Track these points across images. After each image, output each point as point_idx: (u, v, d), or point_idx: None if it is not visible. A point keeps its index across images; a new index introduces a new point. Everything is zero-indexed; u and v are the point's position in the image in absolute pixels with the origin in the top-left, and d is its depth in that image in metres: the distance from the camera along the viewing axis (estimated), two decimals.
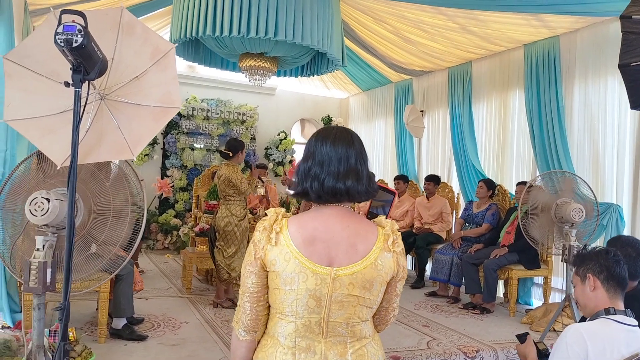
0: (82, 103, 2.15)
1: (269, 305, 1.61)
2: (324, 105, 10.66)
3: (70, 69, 2.10)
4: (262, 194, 6.53)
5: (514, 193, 6.22)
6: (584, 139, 5.69)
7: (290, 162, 10.01)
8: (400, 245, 1.62)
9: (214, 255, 5.35)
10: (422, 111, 8.18)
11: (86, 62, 2.09)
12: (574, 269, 2.36)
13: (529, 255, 5.64)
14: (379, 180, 7.66)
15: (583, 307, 2.30)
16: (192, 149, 9.22)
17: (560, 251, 4.38)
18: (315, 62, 7.32)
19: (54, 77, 2.34)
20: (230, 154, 5.33)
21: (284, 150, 9.96)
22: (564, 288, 4.43)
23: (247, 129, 9.69)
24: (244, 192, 5.23)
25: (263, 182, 6.58)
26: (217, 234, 5.31)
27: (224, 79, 9.13)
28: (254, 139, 9.81)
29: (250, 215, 6.03)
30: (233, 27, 5.47)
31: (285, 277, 1.52)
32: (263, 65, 6.67)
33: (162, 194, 8.75)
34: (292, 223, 1.58)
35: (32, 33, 2.41)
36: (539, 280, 6.13)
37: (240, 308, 1.61)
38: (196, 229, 6.14)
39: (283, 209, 1.67)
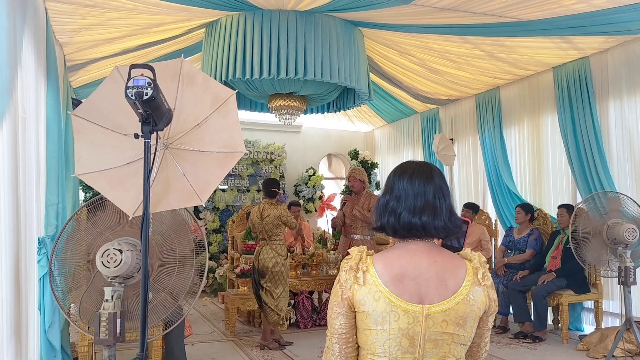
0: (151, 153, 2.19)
1: (358, 346, 1.59)
2: (350, 139, 10.72)
3: (139, 120, 2.15)
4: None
5: (554, 216, 6.12)
6: (624, 158, 5.61)
7: (320, 197, 10.01)
8: (489, 279, 1.59)
9: (259, 297, 5.32)
10: (451, 139, 8.17)
11: (155, 114, 2.14)
12: None
13: (577, 279, 5.52)
14: None
15: None
16: (224, 190, 9.29)
17: (616, 273, 4.27)
18: (341, 98, 7.40)
19: (119, 130, 2.40)
20: (277, 192, 5.45)
21: (313, 186, 9.98)
22: (622, 312, 4.29)
23: (275, 167, 9.77)
24: (294, 227, 5.39)
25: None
26: (262, 275, 5.30)
27: (251, 120, 9.25)
28: (283, 176, 9.86)
29: (289, 254, 6.01)
30: (263, 69, 5.55)
31: (376, 317, 1.49)
32: (292, 104, 6.75)
33: (196, 237, 8.77)
34: (378, 261, 1.56)
35: (97, 88, 2.47)
36: (589, 304, 5.97)
37: (329, 350, 1.58)
38: (237, 270, 6.12)
39: (365, 247, 1.65)
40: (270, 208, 5.33)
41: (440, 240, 2.03)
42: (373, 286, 1.51)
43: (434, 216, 1.56)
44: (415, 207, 1.56)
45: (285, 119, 7.00)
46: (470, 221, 2.14)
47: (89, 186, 8.11)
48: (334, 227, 6.15)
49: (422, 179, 1.60)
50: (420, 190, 1.58)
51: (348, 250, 1.65)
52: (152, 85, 2.05)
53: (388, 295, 1.49)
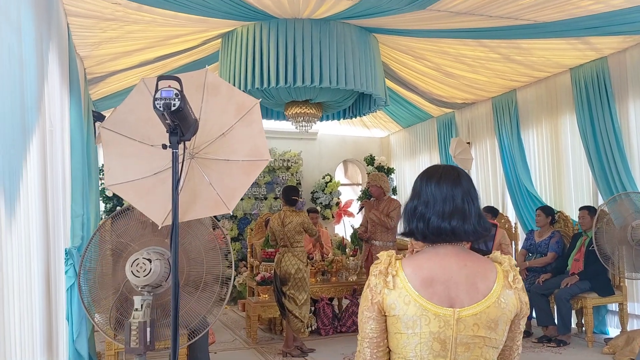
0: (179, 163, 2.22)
1: (389, 350, 1.59)
2: (365, 145, 10.73)
3: (167, 131, 2.18)
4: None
5: (575, 218, 6.06)
6: None
7: (337, 204, 10.02)
8: (520, 282, 1.59)
9: (281, 304, 5.33)
10: (468, 143, 8.14)
11: (182, 124, 2.17)
12: None
13: (601, 282, 5.46)
14: None
15: None
16: (241, 198, 9.32)
17: None
18: (357, 104, 7.41)
19: (146, 141, 2.43)
20: (297, 199, 5.49)
21: (330, 192, 10.00)
22: None
23: (292, 174, 9.80)
24: (314, 235, 5.44)
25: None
26: (284, 282, 5.32)
27: (267, 128, 9.19)
28: (300, 183, 9.89)
29: (308, 260, 6.03)
30: (280, 78, 5.58)
31: (407, 321, 1.50)
32: (308, 111, 6.78)
33: (215, 246, 8.82)
34: (407, 265, 1.57)
35: (124, 101, 2.52)
36: (613, 307, 5.89)
37: (360, 354, 1.59)
38: (257, 277, 6.14)
39: (394, 252, 1.66)
40: (292, 215, 5.36)
41: (469, 243, 2.03)
42: (403, 290, 1.51)
43: (464, 220, 1.56)
44: (444, 212, 1.56)
45: (302, 126, 7.03)
46: (497, 224, 2.14)
47: (108, 197, 8.27)
48: (361, 239, 6.20)
49: (450, 182, 1.60)
50: (449, 195, 1.58)
51: (377, 255, 1.66)
52: (179, 96, 2.08)
53: (418, 299, 1.50)
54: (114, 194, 8.34)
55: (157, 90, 2.10)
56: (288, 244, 5.34)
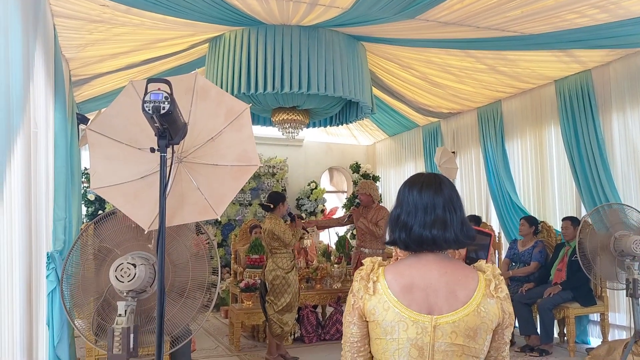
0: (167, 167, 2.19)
1: (371, 356, 1.60)
2: (351, 152, 10.75)
3: (155, 134, 2.15)
4: (309, 245, 6.50)
5: (559, 229, 6.12)
6: (628, 170, 5.62)
7: (322, 211, 10.00)
8: (504, 291, 1.59)
9: (265, 310, 5.28)
10: (453, 152, 8.19)
11: (171, 128, 2.14)
12: None
13: (583, 292, 5.51)
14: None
15: None
16: None
17: (624, 285, 4.26)
18: (343, 112, 7.42)
19: (134, 144, 2.40)
20: (272, 206, 5.34)
21: (315, 199, 9.98)
22: (631, 325, 4.28)
23: (277, 181, 9.78)
24: (288, 243, 5.22)
25: (308, 232, 6.53)
26: (267, 288, 5.27)
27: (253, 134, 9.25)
28: (285, 190, 9.86)
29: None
30: (267, 84, 5.56)
31: (386, 327, 1.51)
32: (295, 118, 6.76)
33: (198, 252, 8.73)
34: (389, 271, 1.58)
35: (112, 103, 2.49)
36: (595, 317, 5.95)
37: (343, 358, 1.61)
38: (241, 284, 6.09)
39: (379, 258, 1.67)
40: (267, 222, 5.29)
41: (464, 254, 2.03)
42: (383, 296, 1.53)
43: (444, 229, 1.56)
44: (425, 222, 1.56)
45: (289, 132, 7.01)
46: (492, 234, 2.14)
47: (90, 201, 8.16)
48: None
49: (432, 191, 1.60)
50: (430, 203, 1.58)
51: (362, 261, 1.67)
52: (169, 100, 2.06)
53: (397, 305, 1.51)
54: (95, 198, 8.22)
55: (146, 92, 2.07)
56: (269, 250, 5.30)
